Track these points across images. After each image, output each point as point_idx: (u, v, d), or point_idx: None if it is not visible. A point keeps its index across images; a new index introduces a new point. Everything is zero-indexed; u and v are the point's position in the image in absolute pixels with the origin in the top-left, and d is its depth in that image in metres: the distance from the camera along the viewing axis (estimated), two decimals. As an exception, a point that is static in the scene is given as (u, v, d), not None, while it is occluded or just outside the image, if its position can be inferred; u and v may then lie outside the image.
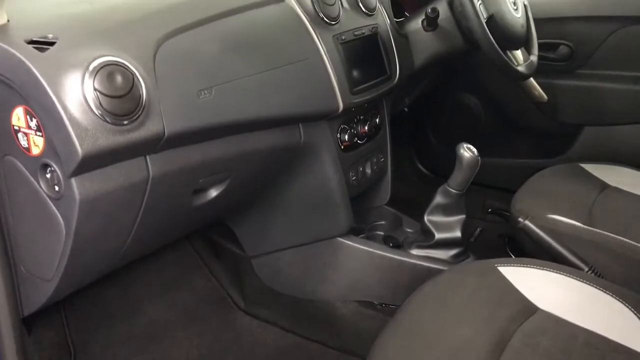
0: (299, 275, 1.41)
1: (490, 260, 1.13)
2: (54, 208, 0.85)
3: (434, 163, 2.18)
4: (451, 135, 2.08)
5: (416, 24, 1.46)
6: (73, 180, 0.80)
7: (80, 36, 0.83)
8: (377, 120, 1.40)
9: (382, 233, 1.47)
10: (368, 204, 1.52)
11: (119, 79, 0.78)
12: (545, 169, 1.60)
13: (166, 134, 0.85)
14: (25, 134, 0.82)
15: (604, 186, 1.51)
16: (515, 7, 1.43)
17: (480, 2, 1.36)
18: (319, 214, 1.32)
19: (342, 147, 1.29)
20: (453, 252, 1.31)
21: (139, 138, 0.82)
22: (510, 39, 1.40)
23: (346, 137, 1.29)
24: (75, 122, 0.75)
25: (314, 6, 1.17)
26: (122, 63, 0.79)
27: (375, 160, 1.42)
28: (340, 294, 1.38)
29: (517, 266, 1.10)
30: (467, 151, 1.24)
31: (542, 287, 1.04)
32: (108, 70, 0.77)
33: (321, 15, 1.18)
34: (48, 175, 0.83)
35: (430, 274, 1.31)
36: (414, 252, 1.33)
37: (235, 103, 0.97)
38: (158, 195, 0.93)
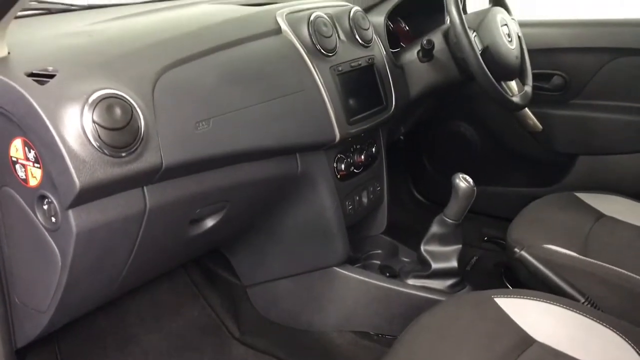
0: (294, 305, 1.40)
1: (487, 291, 1.13)
2: (50, 239, 0.84)
3: (430, 190, 2.18)
4: (447, 163, 2.09)
5: (412, 55, 1.48)
6: (70, 212, 0.80)
7: (79, 69, 0.83)
8: (374, 149, 1.41)
9: (378, 262, 1.46)
10: (364, 232, 1.52)
11: (117, 111, 0.79)
12: (541, 198, 1.61)
13: (164, 165, 0.86)
14: (23, 166, 0.83)
15: (599, 215, 1.52)
16: (509, 39, 1.45)
17: (475, 34, 1.38)
18: (315, 243, 1.32)
19: (339, 176, 1.30)
20: (449, 282, 1.31)
21: (137, 170, 0.82)
22: (504, 70, 1.42)
23: (343, 166, 1.30)
24: (73, 154, 0.76)
25: (311, 38, 1.19)
26: (121, 95, 0.80)
27: (371, 189, 1.42)
28: (337, 324, 1.37)
29: (513, 297, 1.10)
30: (463, 181, 1.25)
31: (539, 318, 1.04)
32: (107, 103, 0.78)
33: (318, 47, 1.19)
34: (45, 207, 0.83)
35: (427, 304, 1.30)
36: (411, 282, 1.33)
37: (233, 134, 0.98)
38: (155, 226, 0.93)
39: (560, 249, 1.32)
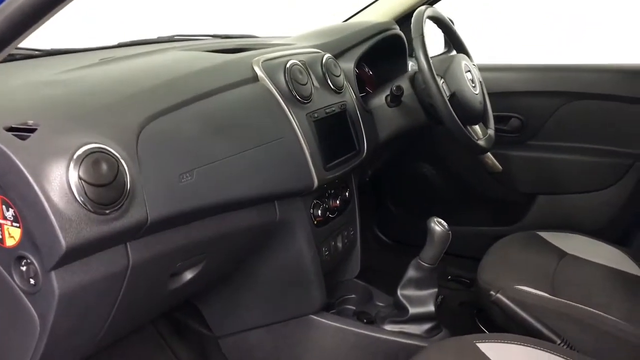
0: (269, 355, 1.36)
1: (467, 336, 1.13)
2: (28, 303, 0.79)
3: (394, 231, 2.20)
4: (410, 204, 2.12)
5: (380, 100, 1.50)
6: (53, 274, 0.75)
7: (61, 122, 0.80)
8: (347, 193, 1.41)
9: (353, 307, 1.45)
10: (338, 277, 1.51)
11: (104, 166, 0.76)
12: (505, 238, 1.64)
13: (149, 221, 0.83)
14: (0, 225, 0.78)
15: (562, 254, 1.56)
16: (473, 85, 1.50)
17: (442, 80, 1.42)
18: (291, 291, 1.30)
19: (315, 222, 1.29)
20: (426, 326, 1.31)
21: (123, 227, 0.79)
22: (470, 115, 1.46)
23: (319, 212, 1.29)
24: (58, 212, 0.72)
25: (287, 86, 1.19)
26: (107, 150, 0.77)
27: (345, 233, 1.42)
28: (314, 375, 1.34)
29: (494, 342, 1.11)
30: (439, 225, 1.26)
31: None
32: (93, 158, 0.75)
33: (295, 94, 1.19)
34: (23, 268, 0.78)
35: (405, 350, 1.29)
36: (388, 327, 1.31)
37: (216, 185, 0.96)
38: (137, 283, 0.89)
39: (532, 290, 1.34)
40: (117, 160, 0.78)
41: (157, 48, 1.36)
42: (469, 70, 1.52)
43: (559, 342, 1.21)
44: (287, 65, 1.20)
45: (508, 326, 1.35)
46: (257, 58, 1.20)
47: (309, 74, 1.26)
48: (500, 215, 1.96)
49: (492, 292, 1.27)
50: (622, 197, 1.77)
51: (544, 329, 1.23)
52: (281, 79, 1.19)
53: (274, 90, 1.16)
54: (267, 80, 1.16)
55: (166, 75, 1.03)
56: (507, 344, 1.10)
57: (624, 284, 1.46)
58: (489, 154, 1.82)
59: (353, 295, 1.48)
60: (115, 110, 0.87)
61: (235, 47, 1.39)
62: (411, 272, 1.30)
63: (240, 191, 1.01)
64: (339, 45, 1.47)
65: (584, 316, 1.28)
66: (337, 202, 1.35)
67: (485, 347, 1.09)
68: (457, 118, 1.36)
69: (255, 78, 1.16)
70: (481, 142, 1.48)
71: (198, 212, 0.93)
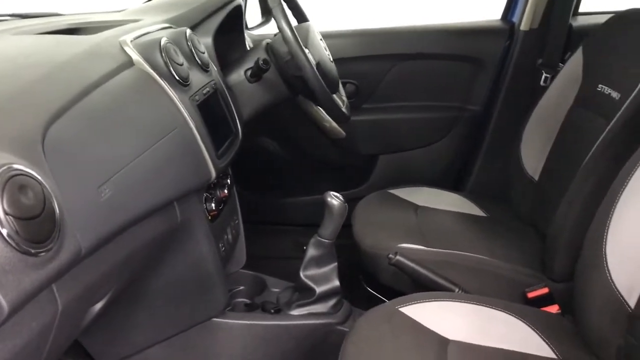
0: (171, 372, 1.22)
1: (388, 304, 1.14)
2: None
3: (253, 214, 2.12)
4: (259, 182, 2.05)
5: (238, 76, 1.40)
6: None
7: None
8: (228, 180, 1.30)
9: (244, 300, 1.36)
10: (225, 271, 1.39)
11: (30, 193, 0.57)
12: (362, 200, 1.69)
13: (83, 251, 0.65)
14: None
15: (415, 207, 1.67)
16: (328, 53, 1.48)
17: (308, 51, 1.37)
18: (191, 298, 1.16)
19: (210, 217, 1.16)
20: (332, 302, 1.29)
21: (60, 266, 0.61)
22: (333, 83, 1.45)
23: (213, 205, 1.17)
24: None
25: (167, 68, 1.03)
26: (25, 171, 0.58)
27: (232, 224, 1.31)
28: (226, 379, 1.24)
29: (412, 304, 1.14)
30: (335, 199, 1.23)
31: (443, 318, 1.10)
32: (17, 184, 0.56)
33: (176, 77, 1.04)
34: None
35: (315, 330, 1.27)
36: (296, 312, 1.26)
37: (134, 194, 0.80)
38: (61, 330, 0.70)
39: (414, 246, 1.41)
40: (40, 182, 0.59)
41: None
42: (321, 39, 1.49)
43: (457, 290, 1.29)
44: (162, 44, 1.04)
45: (397, 284, 1.40)
46: (123, 38, 1.01)
47: (180, 53, 1.11)
48: (347, 179, 2.00)
49: (390, 256, 1.30)
50: (453, 147, 1.94)
51: (442, 281, 1.30)
52: (159, 60, 1.02)
53: (154, 74, 0.99)
54: (144, 64, 0.99)
55: (39, 67, 0.81)
56: (423, 302, 1.15)
57: (475, 225, 1.62)
58: (331, 121, 1.84)
59: (242, 287, 1.39)
60: (7, 115, 0.66)
61: (66, 27, 1.16)
62: (312, 251, 1.26)
63: (154, 196, 0.86)
64: (193, 18, 1.32)
65: (468, 262, 1.39)
66: (225, 191, 1.24)
67: (407, 310, 1.12)
68: (327, 88, 1.33)
69: (130, 62, 0.98)
70: (345, 110, 1.48)
71: (121, 229, 0.77)
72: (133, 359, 1.20)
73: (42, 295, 0.63)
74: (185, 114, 1.01)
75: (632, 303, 0.99)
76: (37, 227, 0.57)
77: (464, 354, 1.02)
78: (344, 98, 1.56)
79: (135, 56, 0.99)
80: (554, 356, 1.04)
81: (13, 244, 0.54)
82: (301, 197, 1.98)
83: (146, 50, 1.01)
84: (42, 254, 0.58)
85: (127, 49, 0.99)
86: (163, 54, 1.03)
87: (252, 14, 1.90)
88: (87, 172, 0.71)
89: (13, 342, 0.59)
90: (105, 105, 0.84)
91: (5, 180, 0.54)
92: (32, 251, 0.56)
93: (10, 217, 0.54)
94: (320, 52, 1.41)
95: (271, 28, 1.91)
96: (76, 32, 1.10)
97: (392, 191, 1.77)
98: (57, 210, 0.60)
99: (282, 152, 1.95)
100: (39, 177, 0.59)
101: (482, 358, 1.01)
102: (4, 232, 0.53)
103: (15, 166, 0.57)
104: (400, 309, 1.12)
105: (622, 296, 1.00)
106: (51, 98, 0.73)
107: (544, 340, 1.07)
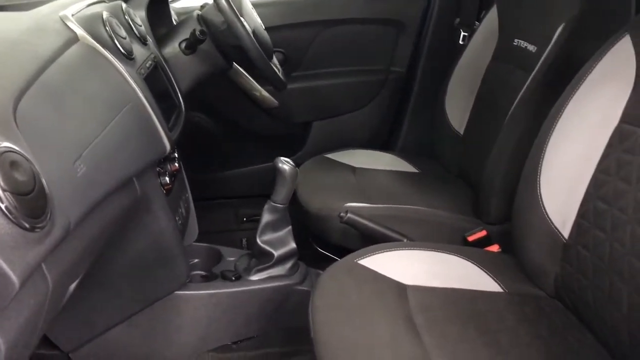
0: (137, 350, 1.22)
1: (347, 258, 1.19)
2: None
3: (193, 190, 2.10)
4: (191, 157, 2.03)
5: (173, 48, 1.38)
6: None
7: None
8: (175, 154, 1.29)
9: (201, 272, 1.37)
10: None
11: (22, 169, 0.56)
12: (301, 167, 1.73)
13: (71, 226, 0.65)
14: None
15: (353, 169, 1.73)
16: (261, 21, 1.49)
17: (244, 20, 1.37)
18: (154, 272, 1.16)
19: (165, 190, 1.16)
20: (289, 264, 1.33)
21: (55, 241, 0.61)
22: (268, 51, 1.46)
23: (167, 179, 1.16)
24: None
25: (113, 42, 1.01)
26: (11, 147, 0.57)
27: (184, 197, 1.31)
28: (192, 350, 1.25)
29: (369, 256, 1.20)
30: (286, 164, 1.26)
31: (398, 265, 1.16)
32: (8, 160, 0.55)
33: (122, 51, 1.02)
34: None
35: (276, 292, 1.30)
36: (256, 277, 1.29)
37: (105, 169, 0.79)
38: (51, 307, 0.70)
39: (359, 204, 1.47)
40: (28, 159, 0.58)
41: None
42: (253, 7, 1.50)
43: (405, 240, 1.37)
44: (105, 18, 1.02)
45: (347, 242, 1.46)
46: (62, 13, 0.97)
47: (121, 27, 1.09)
48: (282, 148, 2.03)
49: (342, 214, 1.35)
50: (382, 109, 2.01)
51: (391, 233, 1.37)
52: (104, 34, 1.00)
53: (101, 49, 0.97)
54: (89, 38, 0.96)
55: None
56: (379, 253, 1.21)
57: (410, 181, 1.71)
58: (263, 91, 1.85)
59: (197, 260, 1.39)
60: None
61: None
62: (267, 217, 1.29)
63: (120, 170, 0.86)
64: None
65: (410, 214, 1.47)
66: (176, 164, 1.23)
67: (365, 262, 1.17)
68: (265, 56, 1.35)
69: (75, 38, 0.95)
70: (282, 77, 1.50)
71: (97, 204, 0.76)
72: (97, 341, 1.19)
73: (35, 272, 0.63)
74: (136, 88, 1.00)
75: (566, 234, 1.10)
76: (33, 203, 0.56)
77: (422, 295, 1.09)
78: (279, 66, 1.58)
79: (80, 31, 0.96)
80: (500, 290, 1.13)
81: (14, 220, 0.54)
82: (239, 169, 1.99)
83: (89, 24, 0.98)
84: (38, 229, 0.57)
85: (70, 24, 0.96)
86: (107, 28, 1.01)
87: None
88: (61, 149, 0.70)
89: (17, 319, 0.58)
90: (63, 81, 0.82)
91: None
92: (30, 227, 0.56)
93: (8, 193, 0.53)
94: (255, 20, 1.42)
95: (188, 1, 1.89)
96: (6, 10, 1.05)
97: (328, 155, 1.82)
98: (46, 186, 0.60)
99: (216, 127, 1.94)
100: (22, 152, 0.58)
101: (439, 298, 1.09)
102: (4, 207, 0.53)
103: (3, 144, 0.56)
104: (358, 262, 1.17)
105: (556, 228, 1.10)
106: (12, 76, 0.71)
107: (491, 277, 1.17)
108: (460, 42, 1.90)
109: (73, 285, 0.84)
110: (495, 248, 1.34)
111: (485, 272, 1.18)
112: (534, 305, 1.10)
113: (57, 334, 1.18)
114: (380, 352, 0.90)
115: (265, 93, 1.85)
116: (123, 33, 1.05)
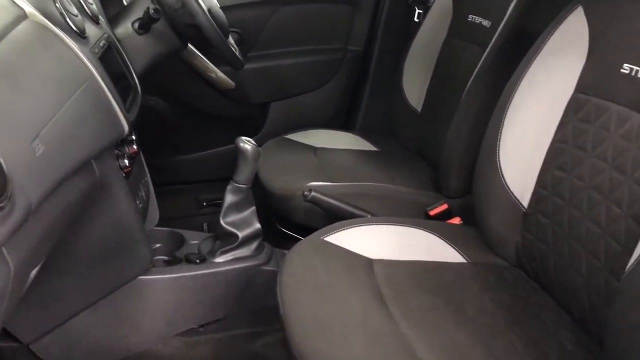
0: (101, 338, 1.19)
1: (312, 235, 1.19)
2: None
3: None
4: (147, 142, 1.98)
5: (125, 29, 1.33)
6: None
7: None
8: (133, 136, 1.26)
9: (164, 257, 1.35)
10: None
11: None
12: (261, 147, 1.72)
13: (32, 207, 0.63)
14: None
15: (314, 149, 1.73)
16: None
17: None
18: (116, 258, 1.14)
19: (124, 173, 1.13)
20: (254, 245, 1.32)
21: (17, 222, 0.58)
22: (224, 29, 1.43)
23: (126, 161, 1.13)
24: None
25: (65, 19, 0.97)
26: None
27: (143, 181, 1.28)
28: (159, 335, 1.23)
29: (334, 233, 1.20)
30: (248, 143, 1.25)
31: (363, 241, 1.17)
32: None
33: (75, 29, 0.98)
34: None
35: (242, 274, 1.30)
36: (221, 259, 1.28)
37: (62, 150, 0.77)
38: (13, 294, 0.67)
39: (322, 183, 1.47)
40: None
41: None
42: (206, -14, 1.46)
43: (369, 216, 1.38)
44: None
45: (310, 221, 1.46)
46: None
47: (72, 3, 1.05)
48: (241, 130, 1.99)
49: (306, 193, 1.35)
50: (340, 88, 2.01)
51: (355, 210, 1.38)
52: (54, 11, 0.95)
53: (52, 26, 0.93)
54: (39, 15, 0.92)
55: None
56: (344, 230, 1.21)
57: (370, 159, 1.73)
58: (219, 72, 1.82)
59: (159, 245, 1.37)
60: None
61: None
62: (230, 198, 1.28)
63: (79, 150, 0.83)
64: None
65: (372, 191, 1.48)
66: (134, 147, 1.20)
67: (331, 239, 1.18)
68: (222, 35, 1.32)
69: (23, 15, 0.90)
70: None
71: (56, 185, 0.74)
72: (59, 331, 1.15)
73: (-5, 257, 0.60)
74: (91, 67, 0.96)
75: (525, 203, 1.13)
76: None
77: (389, 269, 1.10)
78: (235, 46, 1.55)
79: (28, 8, 0.91)
80: (464, 261, 1.16)
81: None
82: (197, 153, 1.96)
83: (38, 0, 0.94)
84: (1, 209, 0.55)
85: (16, 0, 0.91)
86: (57, 5, 0.96)
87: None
88: (18, 128, 0.67)
89: None
90: (14, 59, 0.78)
91: None
92: None
93: None
94: (209, -1, 1.39)
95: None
96: None
97: (288, 136, 1.81)
98: (5, 166, 0.57)
99: (171, 110, 1.90)
100: None
101: (405, 270, 1.10)
102: None
103: None
104: (325, 239, 1.17)
105: (516, 198, 1.13)
106: None
107: (454, 248, 1.19)
108: (416, 19, 1.91)
109: (34, 272, 0.82)
110: (456, 221, 1.37)
111: (449, 243, 1.20)
112: (496, 274, 1.13)
113: (16, 325, 1.14)
114: (350, 325, 0.91)
115: (221, 74, 1.82)
116: (74, 10, 1.01)
